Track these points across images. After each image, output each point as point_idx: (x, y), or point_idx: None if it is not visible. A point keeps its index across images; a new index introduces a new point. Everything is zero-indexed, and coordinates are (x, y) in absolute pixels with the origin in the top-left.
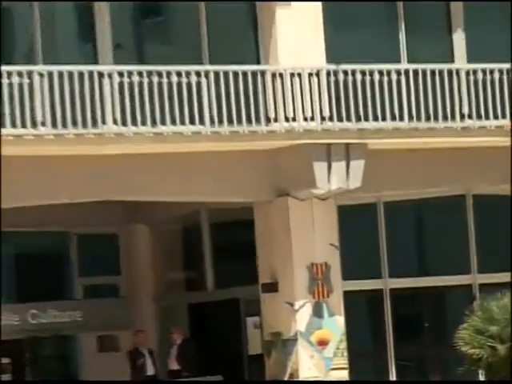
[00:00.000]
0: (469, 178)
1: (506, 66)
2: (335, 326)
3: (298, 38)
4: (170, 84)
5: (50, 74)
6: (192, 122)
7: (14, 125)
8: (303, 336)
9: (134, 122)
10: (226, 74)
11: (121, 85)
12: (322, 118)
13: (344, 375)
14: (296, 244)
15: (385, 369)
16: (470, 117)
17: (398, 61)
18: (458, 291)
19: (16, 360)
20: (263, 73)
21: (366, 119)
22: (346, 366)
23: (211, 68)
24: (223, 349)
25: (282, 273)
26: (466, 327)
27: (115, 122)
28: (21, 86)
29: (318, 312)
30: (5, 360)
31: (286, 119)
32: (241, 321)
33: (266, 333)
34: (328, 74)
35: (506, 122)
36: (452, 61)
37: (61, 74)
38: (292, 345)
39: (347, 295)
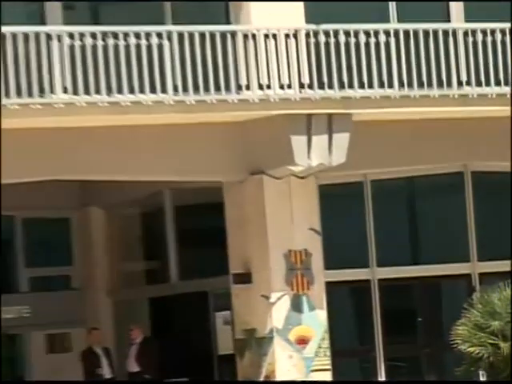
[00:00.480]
0: (467, 153)
1: (508, 25)
2: (316, 321)
3: None
4: (127, 47)
5: None
6: (153, 90)
7: None
8: (280, 333)
9: (87, 91)
10: (191, 35)
11: (71, 48)
12: (301, 86)
13: (327, 377)
14: (272, 229)
15: (373, 370)
16: (468, 83)
17: (387, 20)
18: (455, 282)
19: None
20: (234, 34)
21: (351, 87)
22: (329, 366)
23: (174, 29)
24: (189, 348)
25: (255, 262)
26: (464, 322)
27: (65, 90)
28: None
29: (296, 306)
30: None
31: (260, 87)
32: (209, 316)
33: (238, 330)
34: (307, 35)
35: (508, 90)
36: (448, 20)
37: (3, 36)
38: (267, 343)
39: (330, 287)
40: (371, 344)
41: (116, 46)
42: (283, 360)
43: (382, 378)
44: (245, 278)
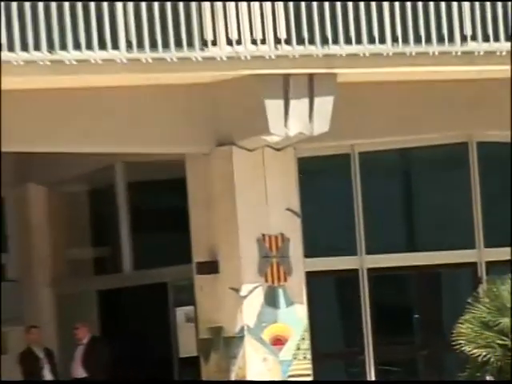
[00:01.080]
0: (472, 120)
1: None
2: (295, 318)
3: None
4: None
5: None
6: (102, 46)
7: None
8: (252, 332)
9: (25, 47)
10: None
11: None
12: (277, 41)
13: None
14: (242, 209)
15: (361, 375)
16: (473, 38)
17: None
18: (458, 271)
19: None
20: None
21: (336, 42)
22: (310, 371)
23: None
24: (145, 350)
25: (223, 248)
26: (468, 320)
27: None
28: None
29: (272, 300)
30: None
31: (229, 42)
32: (169, 313)
33: (203, 328)
34: None
35: None
36: None
37: None
38: (237, 344)
39: (311, 277)
40: (359, 345)
41: None
42: (256, 363)
43: None
44: (211, 267)
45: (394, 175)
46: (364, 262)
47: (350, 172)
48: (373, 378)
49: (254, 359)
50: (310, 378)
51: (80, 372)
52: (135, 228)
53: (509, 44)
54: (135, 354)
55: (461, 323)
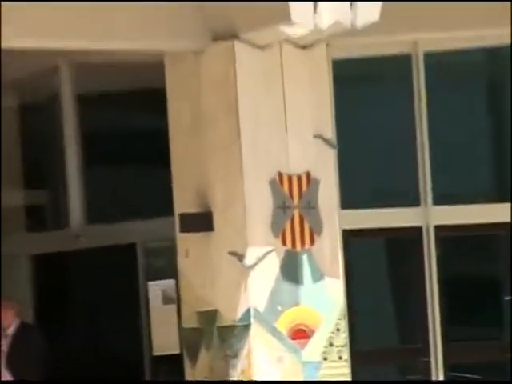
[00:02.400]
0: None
1: None
2: (326, 300)
3: None
4: None
5: None
6: None
7: None
8: (262, 320)
9: None
10: None
11: None
12: None
13: None
14: (248, 135)
15: None
16: None
17: None
18: None
19: None
20: None
21: None
22: (347, 377)
23: None
24: (101, 344)
25: (220, 194)
26: None
27: None
28: None
29: (291, 272)
30: None
31: None
32: (137, 289)
33: (189, 313)
34: None
35: None
36: None
37: None
38: (240, 337)
39: (351, 239)
40: (422, 341)
41: None
42: (266, 365)
43: None
44: (200, 221)
45: (479, 84)
46: (430, 216)
47: (411, 80)
48: None
49: (263, 359)
50: None
51: (4, 374)
52: (88, 162)
53: None
54: (86, 349)
55: None
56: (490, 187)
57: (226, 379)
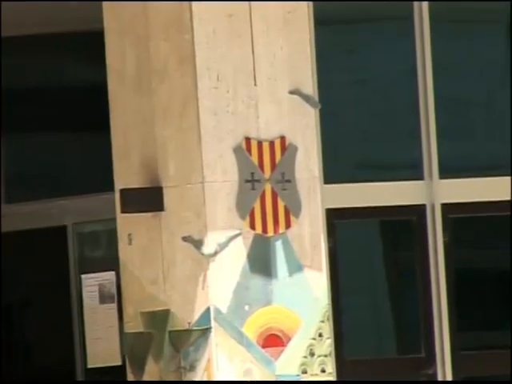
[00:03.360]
0: None
1: None
2: (306, 297)
3: None
4: None
5: None
6: None
7: None
8: (225, 323)
9: None
10: None
11: None
12: None
13: None
14: (208, 90)
15: None
16: None
17: None
18: None
19: None
20: None
21: None
22: None
23: None
24: (22, 352)
25: (172, 164)
26: None
27: None
28: None
29: (262, 263)
30: None
31: None
32: (69, 282)
33: (133, 314)
34: None
35: None
36: None
37: None
38: (197, 344)
39: (337, 221)
40: (426, 347)
41: None
42: (230, 379)
43: None
44: (147, 199)
45: (496, 31)
46: (436, 192)
47: (413, 25)
48: None
49: (227, 372)
50: None
51: None
52: (6, 127)
53: None
54: (4, 359)
55: None
56: (510, 158)
57: None
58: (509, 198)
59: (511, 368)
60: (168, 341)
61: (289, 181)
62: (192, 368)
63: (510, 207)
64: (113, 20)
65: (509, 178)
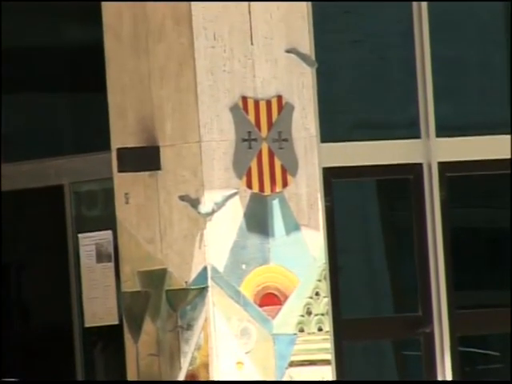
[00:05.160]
0: None
1: None
2: (303, 257)
3: None
4: None
5: None
6: None
7: None
8: (222, 282)
9: None
10: None
11: None
12: None
13: (326, 375)
14: (204, 50)
15: (427, 363)
16: None
17: None
18: None
19: None
20: None
21: None
22: (329, 356)
23: None
24: (18, 312)
25: (169, 123)
26: None
27: None
28: None
29: (259, 222)
30: None
31: None
32: (66, 242)
33: (129, 273)
34: None
35: None
36: None
37: None
38: (194, 303)
39: (334, 180)
40: (423, 308)
41: None
42: (227, 339)
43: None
44: (144, 158)
45: None
46: (433, 150)
47: None
48: (448, 367)
49: (224, 331)
50: (329, 368)
51: None
52: (2, 86)
53: None
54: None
55: None
56: (508, 116)
57: (176, 356)
58: (506, 157)
59: (511, 326)
60: (165, 300)
61: (286, 140)
62: (189, 327)
63: (511, 165)
64: None
65: (507, 136)
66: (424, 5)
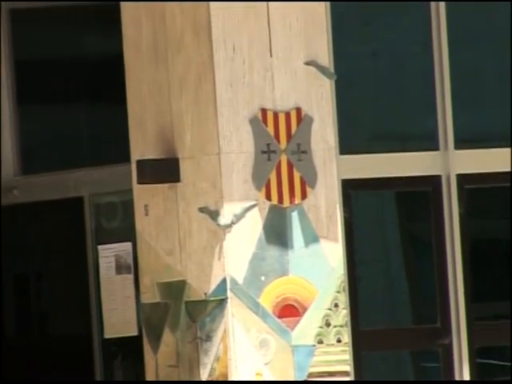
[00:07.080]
0: None
1: None
2: (322, 268)
3: None
4: None
5: None
6: None
7: None
8: (242, 293)
9: None
10: None
11: None
12: None
13: None
14: (223, 62)
15: (446, 373)
16: None
17: None
18: None
19: None
20: None
21: None
22: (348, 367)
23: None
24: (37, 323)
25: (188, 136)
26: None
27: None
28: None
29: (277, 234)
30: None
31: None
32: (85, 253)
33: (149, 285)
34: None
35: None
36: None
37: None
38: (214, 315)
39: (353, 193)
40: (441, 320)
41: None
42: (247, 350)
43: None
44: (163, 170)
45: None
46: (452, 163)
47: None
48: (467, 378)
49: (243, 343)
50: (348, 380)
51: None
52: (23, 98)
53: None
54: (19, 327)
55: None
56: None
57: (195, 367)
58: None
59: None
60: (184, 311)
61: (304, 152)
62: (208, 338)
63: None
64: None
65: None
66: (443, 15)
